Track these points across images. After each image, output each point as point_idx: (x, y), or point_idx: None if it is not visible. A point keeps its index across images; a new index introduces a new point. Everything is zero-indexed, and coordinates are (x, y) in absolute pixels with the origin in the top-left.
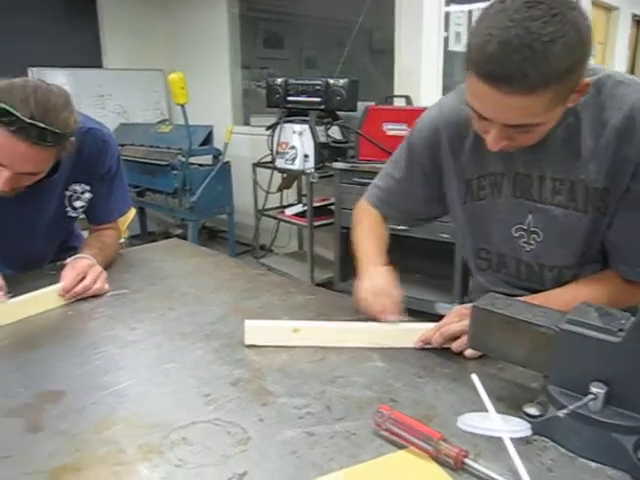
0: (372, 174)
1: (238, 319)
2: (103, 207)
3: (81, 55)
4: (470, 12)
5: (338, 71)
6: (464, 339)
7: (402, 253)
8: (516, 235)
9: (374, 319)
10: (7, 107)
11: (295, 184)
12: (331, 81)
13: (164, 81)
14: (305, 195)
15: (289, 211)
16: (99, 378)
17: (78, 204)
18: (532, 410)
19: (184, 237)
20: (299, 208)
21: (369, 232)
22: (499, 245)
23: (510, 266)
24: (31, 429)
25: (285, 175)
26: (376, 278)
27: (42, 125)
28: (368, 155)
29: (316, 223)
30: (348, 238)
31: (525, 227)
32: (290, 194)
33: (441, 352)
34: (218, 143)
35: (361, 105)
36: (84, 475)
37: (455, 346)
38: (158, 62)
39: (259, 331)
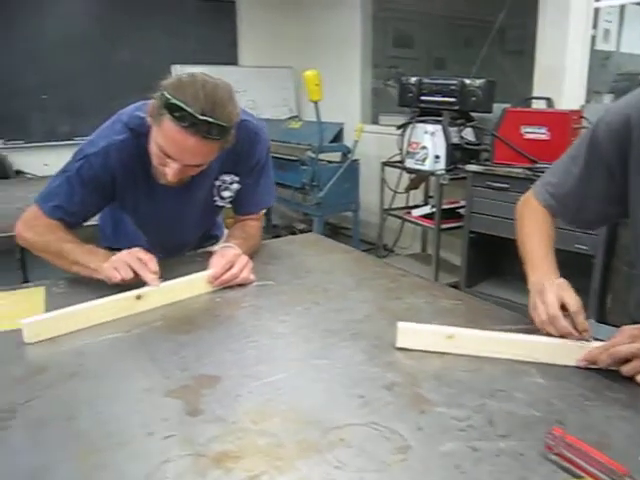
0: (507, 178)
1: (384, 319)
2: (249, 198)
3: (219, 53)
4: (622, 7)
5: (474, 71)
6: (637, 363)
7: None
8: None
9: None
10: (180, 103)
11: (422, 185)
12: (467, 81)
13: (294, 78)
14: (432, 197)
15: (416, 212)
16: (253, 367)
17: (226, 194)
18: None
19: (307, 232)
20: (427, 209)
21: (537, 231)
22: None
23: None
24: (190, 412)
25: (413, 175)
26: (550, 295)
27: (211, 120)
28: (503, 159)
29: (443, 226)
30: (477, 243)
31: None
32: (416, 195)
33: (607, 374)
34: (347, 141)
35: (496, 107)
36: (246, 464)
37: (626, 370)
38: (289, 60)
39: (412, 334)
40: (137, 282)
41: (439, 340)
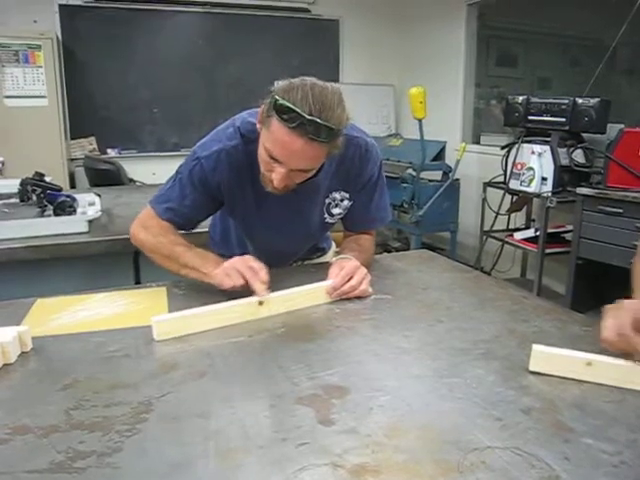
0: (622, 203)
1: (514, 341)
2: (363, 216)
3: (322, 70)
4: None
5: (587, 91)
6: None
7: None
8: None
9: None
10: (289, 104)
11: (525, 207)
12: (579, 101)
13: (394, 96)
14: (534, 220)
15: (518, 235)
16: (381, 381)
17: (336, 211)
18: None
19: (404, 250)
20: (530, 233)
21: None
22: None
23: None
24: (322, 421)
25: (516, 197)
26: (626, 313)
27: (319, 121)
28: (618, 182)
29: (548, 251)
30: (585, 270)
31: None
32: (517, 218)
33: None
34: (447, 160)
35: (610, 128)
36: (385, 479)
37: None
38: (390, 78)
39: (548, 358)
40: (247, 290)
41: (576, 366)
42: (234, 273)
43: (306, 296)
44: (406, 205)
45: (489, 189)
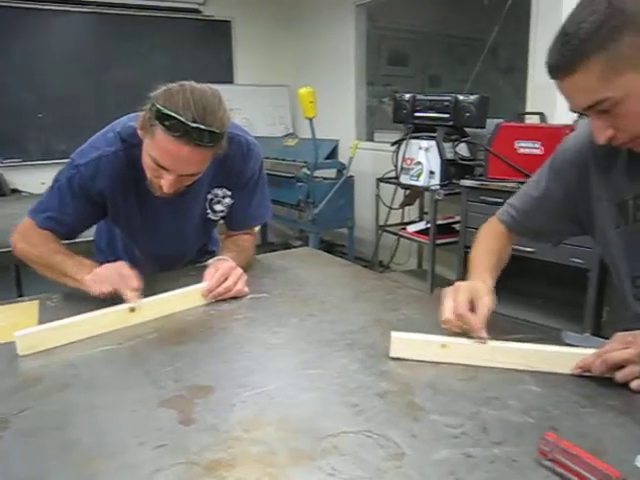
0: (501, 193)
1: (380, 330)
2: (242, 213)
3: (215, 71)
4: None
5: (467, 88)
6: (631, 369)
7: (527, 277)
8: None
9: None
10: (171, 113)
11: (417, 201)
12: (460, 97)
13: (289, 96)
14: (427, 212)
15: (411, 228)
16: (246, 377)
17: (218, 207)
18: None
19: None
20: (422, 225)
21: (486, 248)
22: None
23: None
24: (184, 421)
25: (408, 192)
26: (462, 295)
27: (204, 127)
28: (498, 173)
29: (439, 241)
30: None
31: None
32: (411, 211)
33: (602, 381)
34: (342, 158)
35: (490, 122)
36: (239, 472)
37: (620, 376)
38: (285, 78)
39: (406, 344)
40: (120, 297)
41: (433, 349)
42: (103, 280)
43: (181, 300)
44: (302, 204)
45: (383, 185)
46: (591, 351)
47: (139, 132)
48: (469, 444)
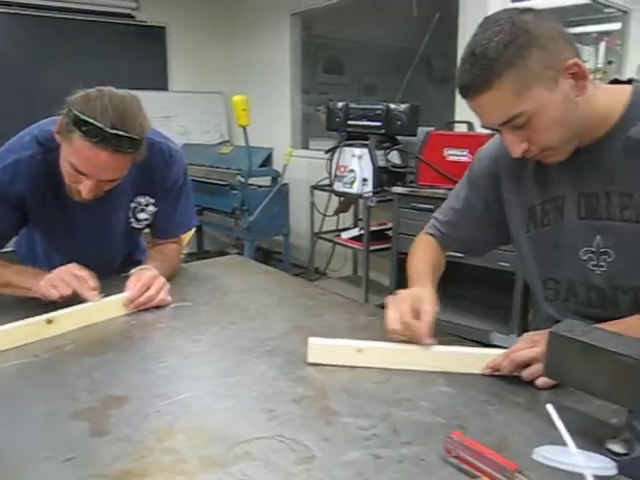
0: (432, 199)
1: (300, 336)
2: (167, 221)
3: (149, 78)
4: None
5: (399, 97)
6: (536, 367)
7: (457, 281)
8: (584, 258)
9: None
10: (89, 119)
11: (352, 208)
12: (392, 106)
13: (225, 104)
14: (361, 219)
15: (345, 235)
16: (162, 387)
17: (142, 216)
18: (616, 447)
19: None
20: (355, 232)
21: (423, 258)
22: (567, 272)
23: (580, 293)
24: (96, 433)
25: (342, 199)
26: (405, 304)
27: (122, 133)
28: (428, 180)
29: (372, 247)
30: (405, 263)
31: (594, 249)
32: (346, 218)
33: (511, 380)
34: (277, 165)
35: (421, 131)
36: None
37: (526, 374)
38: (220, 86)
39: (323, 349)
40: (75, 299)
41: (349, 354)
42: (60, 283)
43: (101, 310)
44: (237, 212)
45: (318, 192)
46: (499, 351)
47: (56, 137)
48: (379, 445)
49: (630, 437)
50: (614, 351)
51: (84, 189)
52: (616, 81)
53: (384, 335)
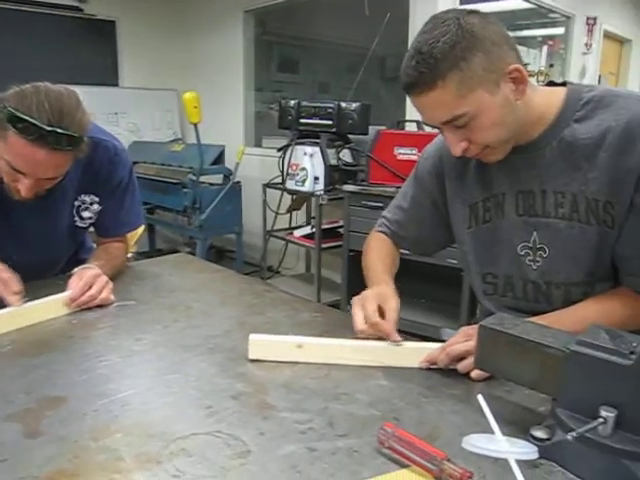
0: (382, 197)
1: (243, 334)
2: (112, 220)
3: (99, 73)
4: None
5: (350, 95)
6: (471, 360)
7: (408, 278)
8: (522, 254)
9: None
10: (24, 116)
11: (304, 206)
12: (343, 104)
13: (178, 101)
14: (314, 217)
15: (298, 232)
16: (101, 386)
17: (86, 214)
18: (539, 433)
19: (192, 255)
20: (308, 230)
21: (379, 255)
22: (505, 267)
23: (517, 288)
24: (29, 434)
25: (295, 197)
26: (371, 304)
27: (60, 131)
28: (378, 179)
29: (324, 245)
30: (356, 261)
31: (530, 245)
32: (299, 216)
33: (448, 373)
34: (229, 163)
35: (372, 129)
36: None
37: (461, 367)
38: (173, 83)
39: (263, 346)
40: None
41: (289, 350)
42: None
43: (41, 310)
44: (189, 210)
45: (270, 190)
46: (436, 345)
47: None
48: (314, 438)
49: (553, 423)
50: (540, 343)
51: (23, 188)
52: (551, 83)
53: (326, 331)
